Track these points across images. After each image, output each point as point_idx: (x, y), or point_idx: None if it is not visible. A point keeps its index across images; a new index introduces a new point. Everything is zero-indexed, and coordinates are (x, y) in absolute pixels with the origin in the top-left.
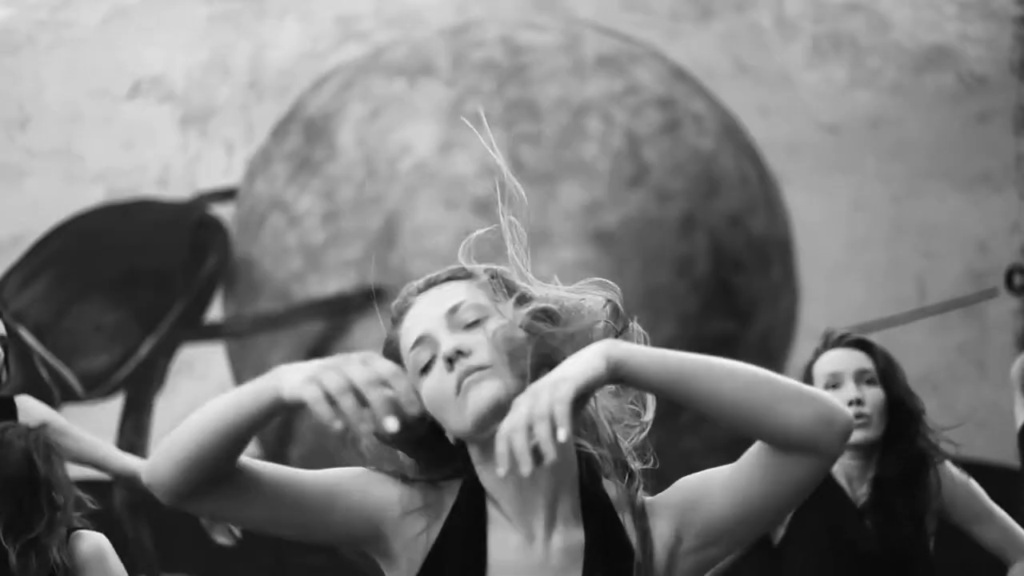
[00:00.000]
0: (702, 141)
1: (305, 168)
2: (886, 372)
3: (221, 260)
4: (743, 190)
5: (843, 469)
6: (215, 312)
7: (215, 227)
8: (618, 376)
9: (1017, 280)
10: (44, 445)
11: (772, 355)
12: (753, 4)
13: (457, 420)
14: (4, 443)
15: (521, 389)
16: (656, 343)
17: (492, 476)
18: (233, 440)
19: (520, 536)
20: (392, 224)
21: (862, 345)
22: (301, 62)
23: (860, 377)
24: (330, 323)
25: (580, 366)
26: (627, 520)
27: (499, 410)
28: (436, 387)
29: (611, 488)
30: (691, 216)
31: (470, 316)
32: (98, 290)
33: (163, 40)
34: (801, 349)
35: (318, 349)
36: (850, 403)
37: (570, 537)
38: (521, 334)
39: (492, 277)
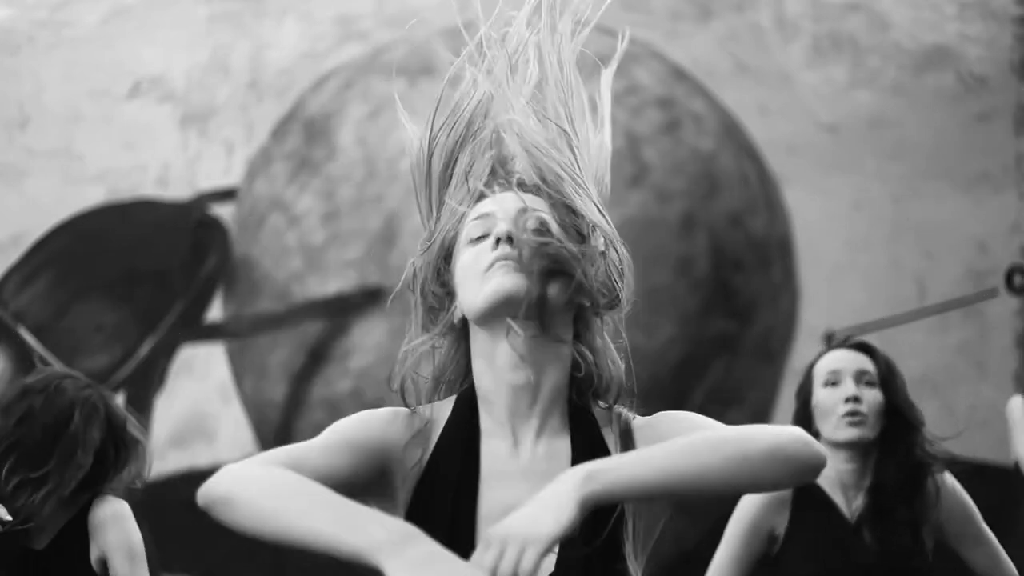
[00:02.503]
0: (702, 141)
1: (305, 168)
2: (887, 378)
3: (221, 260)
4: (743, 190)
5: (839, 476)
6: (215, 312)
7: (215, 227)
8: (597, 506)
9: (1017, 280)
10: (91, 404)
11: (772, 355)
12: (753, 4)
13: (473, 296)
14: (58, 390)
15: (531, 289)
16: (656, 343)
17: (490, 373)
18: (300, 549)
19: (508, 443)
20: (392, 224)
21: (865, 349)
22: (301, 62)
23: (860, 377)
24: (330, 323)
25: (552, 519)
26: (610, 436)
27: (510, 304)
28: (472, 260)
29: (596, 407)
30: (691, 216)
31: (533, 224)
32: (98, 290)
33: (163, 40)
34: (801, 349)
35: (318, 349)
36: (847, 400)
37: (556, 445)
38: (542, 239)
39: (559, 193)
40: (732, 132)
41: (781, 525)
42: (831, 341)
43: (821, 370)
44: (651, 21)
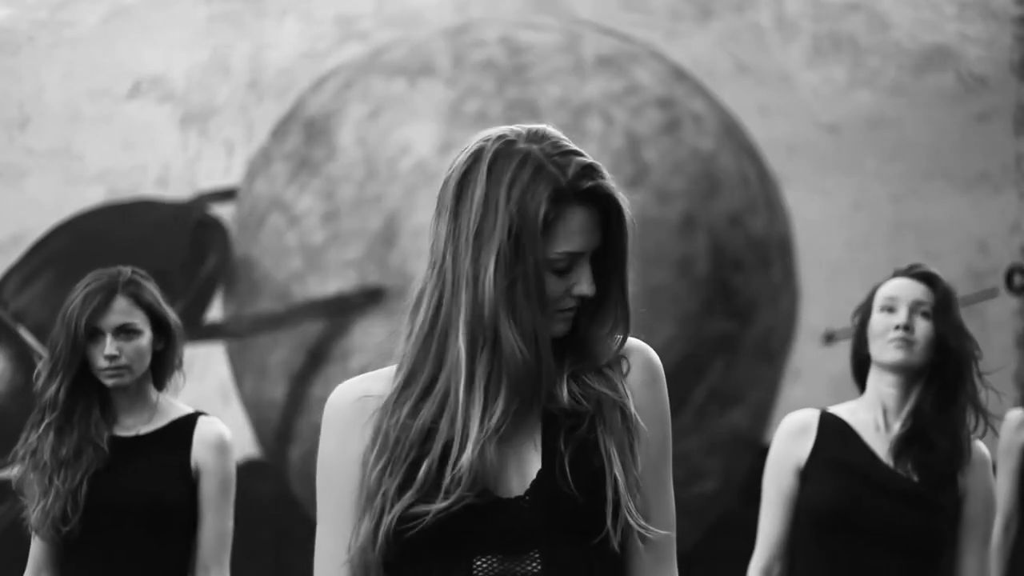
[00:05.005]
0: (702, 141)
1: (305, 168)
2: (937, 307)
3: (221, 260)
4: (743, 190)
5: (880, 398)
6: (215, 312)
7: (215, 227)
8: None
9: (1017, 280)
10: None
11: (772, 355)
12: (753, 4)
13: (528, 319)
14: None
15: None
16: (656, 343)
17: None
18: None
19: None
20: (392, 224)
21: (927, 278)
22: (301, 62)
23: (915, 308)
24: (330, 323)
25: None
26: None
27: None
28: (556, 291)
29: None
30: (691, 216)
31: (588, 291)
32: None
33: (163, 40)
34: (801, 349)
35: (318, 349)
36: (897, 327)
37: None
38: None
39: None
40: (732, 132)
41: (804, 457)
42: (897, 270)
43: (881, 295)
44: (651, 21)
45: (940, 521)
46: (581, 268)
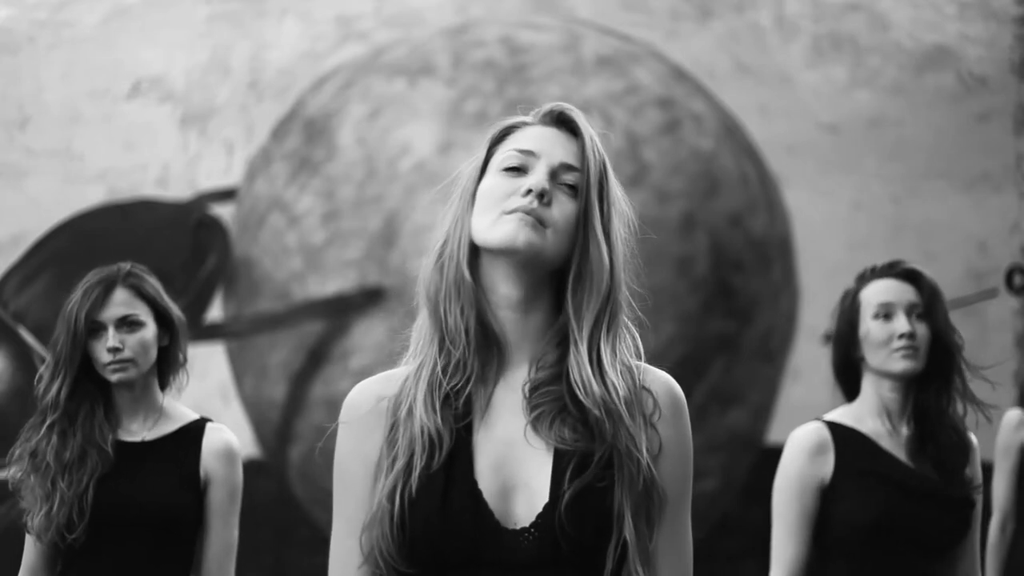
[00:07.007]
0: (702, 141)
1: (305, 168)
2: (929, 305)
3: (221, 260)
4: (743, 190)
5: (883, 403)
6: (215, 312)
7: (215, 227)
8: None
9: (1017, 280)
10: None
11: (772, 355)
12: (753, 4)
13: (485, 226)
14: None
15: (546, 257)
16: (656, 343)
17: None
18: None
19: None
20: (392, 224)
21: (912, 277)
22: (301, 62)
23: (911, 311)
24: (330, 323)
25: None
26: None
27: (526, 253)
28: (502, 189)
29: None
30: (691, 216)
31: (570, 180)
32: None
33: (163, 40)
34: (801, 349)
35: (318, 349)
36: (901, 335)
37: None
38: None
39: (601, 171)
40: (732, 132)
41: (828, 473)
42: (875, 268)
43: (870, 300)
44: (651, 21)
45: (969, 517)
46: (535, 169)
